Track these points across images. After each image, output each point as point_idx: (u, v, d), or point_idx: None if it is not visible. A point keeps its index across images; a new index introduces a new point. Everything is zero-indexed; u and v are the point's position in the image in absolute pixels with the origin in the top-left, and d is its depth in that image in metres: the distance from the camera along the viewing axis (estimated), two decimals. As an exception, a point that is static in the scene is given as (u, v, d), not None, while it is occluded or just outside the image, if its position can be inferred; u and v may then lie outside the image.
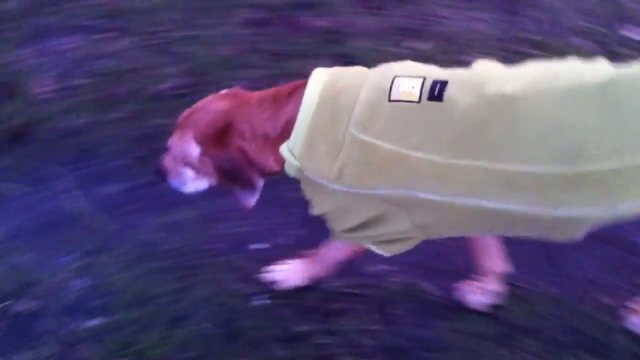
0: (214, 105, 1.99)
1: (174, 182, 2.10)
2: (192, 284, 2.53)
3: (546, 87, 1.55)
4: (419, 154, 1.62)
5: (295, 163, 1.82)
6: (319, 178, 1.80)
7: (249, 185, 1.96)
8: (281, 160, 1.87)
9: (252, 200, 1.98)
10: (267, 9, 3.57)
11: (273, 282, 2.48)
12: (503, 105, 1.56)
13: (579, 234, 1.67)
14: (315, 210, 1.96)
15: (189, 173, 2.04)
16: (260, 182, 1.98)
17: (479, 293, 2.38)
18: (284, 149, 1.84)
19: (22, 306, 2.47)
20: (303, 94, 1.80)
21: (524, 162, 1.52)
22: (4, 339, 2.39)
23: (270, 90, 1.97)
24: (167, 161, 2.08)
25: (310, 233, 2.63)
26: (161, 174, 2.11)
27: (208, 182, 2.05)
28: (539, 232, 1.73)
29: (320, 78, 1.82)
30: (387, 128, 1.66)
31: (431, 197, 1.66)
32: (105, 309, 2.52)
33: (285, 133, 1.85)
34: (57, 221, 2.75)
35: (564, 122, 1.50)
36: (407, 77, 1.71)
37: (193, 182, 2.07)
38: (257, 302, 2.55)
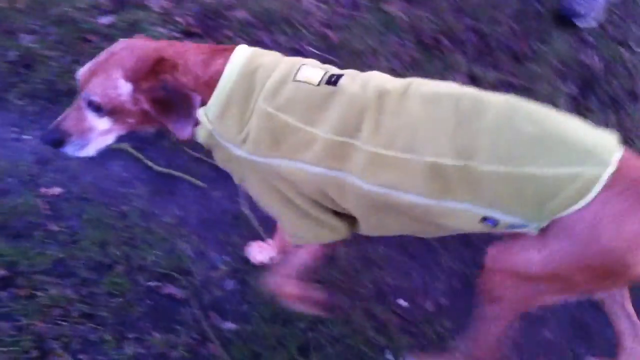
0: (139, 44, 2.06)
1: (72, 145, 2.05)
2: (329, 318, 2.53)
3: (415, 91, 1.88)
4: (308, 128, 1.87)
5: (208, 126, 1.96)
6: (227, 142, 1.97)
7: (187, 111, 1.97)
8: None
9: (188, 129, 1.97)
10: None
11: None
12: (380, 97, 1.86)
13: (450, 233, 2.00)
14: (234, 178, 2.13)
15: (100, 125, 2.03)
16: (196, 109, 1.98)
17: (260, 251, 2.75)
18: (200, 112, 1.96)
19: (173, 290, 2.65)
20: (230, 57, 1.99)
21: (387, 147, 1.80)
22: (149, 315, 2.57)
23: (205, 45, 2.11)
24: (68, 121, 2.04)
25: (452, 306, 2.57)
26: (57, 140, 2.03)
27: (120, 131, 2.07)
28: (412, 228, 1.99)
29: (243, 53, 2.02)
30: (287, 103, 1.90)
31: (314, 169, 1.88)
32: (244, 316, 2.60)
33: (210, 83, 1.96)
34: (225, 221, 2.91)
35: (426, 120, 1.80)
36: (312, 67, 2.00)
37: (100, 138, 2.05)
38: (389, 357, 2.50)
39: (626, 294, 2.13)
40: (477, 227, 1.84)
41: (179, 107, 1.97)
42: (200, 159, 3.14)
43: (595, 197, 1.65)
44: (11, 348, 2.50)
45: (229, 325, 2.57)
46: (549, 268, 1.76)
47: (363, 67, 3.57)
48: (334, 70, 2.01)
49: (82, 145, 2.05)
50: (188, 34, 3.83)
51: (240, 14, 3.95)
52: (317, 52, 3.70)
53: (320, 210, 2.03)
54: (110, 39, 3.55)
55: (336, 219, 2.07)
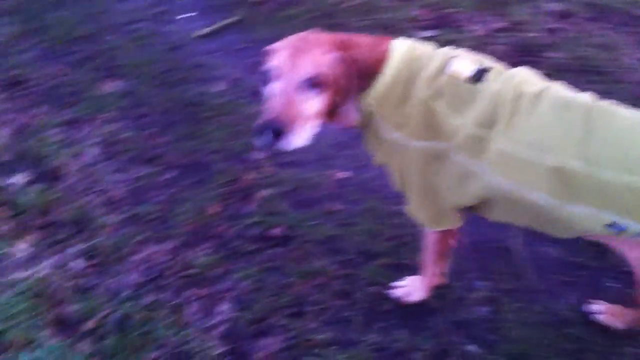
0: (314, 34, 2.17)
1: (293, 135, 2.00)
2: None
3: (550, 95, 1.97)
4: (456, 118, 2.03)
5: (370, 109, 2.14)
6: (384, 123, 2.16)
7: (361, 88, 2.12)
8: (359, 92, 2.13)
9: (356, 113, 2.14)
10: None
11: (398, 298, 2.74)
12: (517, 97, 1.98)
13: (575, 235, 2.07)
14: (377, 157, 2.32)
15: (313, 106, 2.04)
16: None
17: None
18: (365, 96, 2.13)
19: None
20: (390, 47, 2.15)
21: (515, 145, 1.93)
22: (399, 312, 2.67)
23: (365, 39, 2.21)
24: (281, 109, 2.00)
25: None
26: (278, 131, 1.95)
27: (324, 114, 2.12)
28: (534, 223, 2.11)
29: (402, 44, 2.17)
30: (439, 93, 2.06)
31: (454, 156, 2.06)
32: (490, 344, 2.59)
33: (374, 67, 2.11)
34: (495, 249, 2.92)
35: (556, 124, 1.91)
36: (464, 59, 2.11)
37: (311, 122, 2.07)
38: None
39: None
40: (604, 232, 1.92)
41: (356, 84, 2.10)
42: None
43: None
44: (272, 299, 2.79)
45: (473, 348, 2.57)
46: None
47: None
48: (484, 63, 2.14)
49: (296, 133, 2.02)
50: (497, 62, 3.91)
51: (556, 54, 3.95)
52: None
53: (446, 198, 2.21)
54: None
55: (454, 211, 2.29)
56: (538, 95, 1.99)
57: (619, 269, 2.62)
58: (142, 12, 4.78)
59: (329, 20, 3.84)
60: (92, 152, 3.51)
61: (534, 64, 3.97)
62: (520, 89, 2.01)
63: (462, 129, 2.02)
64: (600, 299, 2.68)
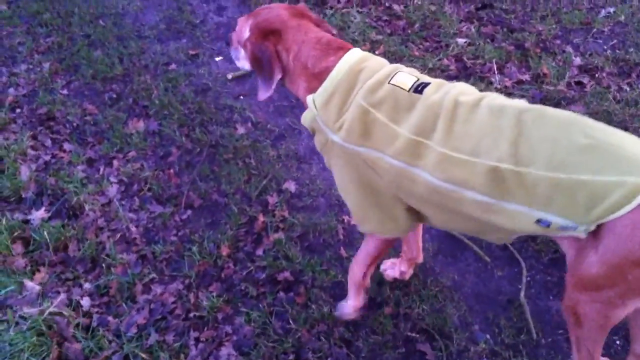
0: (280, 11, 2.54)
1: (232, 52, 2.77)
2: None
3: (486, 103, 2.13)
4: (393, 126, 2.20)
5: (314, 111, 2.35)
6: (326, 127, 2.33)
7: (268, 78, 2.46)
8: (305, 97, 2.40)
9: (265, 94, 2.47)
10: None
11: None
12: (455, 106, 2.14)
13: (511, 237, 2.25)
14: (326, 161, 2.48)
15: (241, 50, 2.67)
16: (274, 85, 2.46)
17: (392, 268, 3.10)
18: (309, 99, 2.37)
19: (427, 348, 2.72)
20: (343, 56, 2.35)
21: (455, 149, 2.07)
22: (399, 362, 2.77)
23: (327, 37, 2.46)
24: (233, 35, 2.71)
25: None
26: (228, 41, 2.79)
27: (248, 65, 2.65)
28: (473, 226, 2.25)
29: (355, 54, 2.37)
30: (380, 101, 2.24)
31: (394, 162, 2.19)
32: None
33: (319, 76, 2.37)
34: (498, 302, 2.92)
35: (491, 128, 2.06)
36: (407, 74, 2.31)
37: (241, 59, 2.71)
38: None
39: None
40: (532, 228, 2.05)
41: (264, 71, 2.48)
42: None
43: None
44: (274, 344, 2.83)
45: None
46: (605, 267, 1.93)
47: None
48: (424, 79, 2.32)
49: (235, 55, 2.75)
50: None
51: (578, 108, 3.94)
52: None
53: (390, 202, 2.37)
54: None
55: (402, 214, 2.40)
56: (475, 104, 2.16)
57: (624, 327, 2.59)
58: (179, 54, 4.94)
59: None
60: (111, 191, 3.62)
61: (555, 117, 4.02)
62: (458, 99, 2.18)
63: (401, 135, 2.18)
64: (604, 355, 2.66)
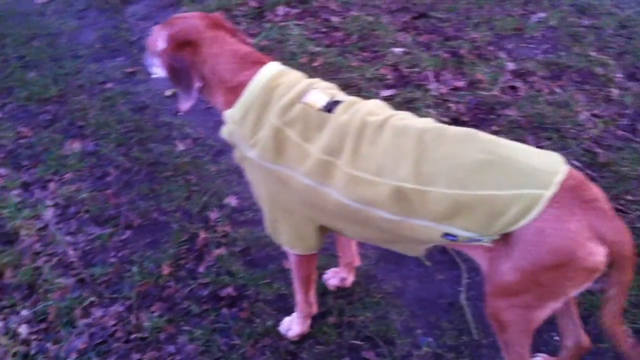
0: (195, 22, 2.51)
1: (147, 60, 2.71)
2: None
3: (391, 124, 2.19)
4: (305, 145, 2.24)
5: (231, 126, 2.37)
6: (243, 142, 2.36)
7: (187, 89, 2.45)
8: (224, 109, 2.39)
9: (187, 103, 2.46)
10: None
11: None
12: (362, 126, 2.19)
13: (422, 248, 2.30)
14: (247, 175, 2.50)
15: (155, 60, 2.60)
16: (195, 94, 2.44)
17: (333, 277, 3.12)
18: (227, 114, 2.38)
19: (372, 355, 2.73)
20: (259, 71, 2.36)
21: (361, 170, 2.14)
22: None
23: (244, 49, 2.46)
24: (148, 42, 2.63)
25: None
26: (144, 48, 2.72)
27: (164, 74, 2.58)
28: (386, 238, 2.30)
29: (272, 69, 2.39)
30: (293, 120, 2.27)
31: (305, 180, 2.24)
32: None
33: (235, 90, 2.36)
34: (440, 305, 2.96)
35: (394, 149, 2.13)
36: (321, 91, 2.34)
37: (156, 69, 2.63)
38: None
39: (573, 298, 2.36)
40: (440, 241, 2.15)
41: (182, 83, 2.47)
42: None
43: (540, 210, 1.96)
44: (219, 361, 2.84)
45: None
46: (518, 273, 2.01)
47: (625, 193, 3.52)
48: (338, 96, 2.37)
49: (149, 63, 2.68)
50: (455, 120, 4.04)
51: (512, 112, 4.05)
52: (579, 165, 3.67)
53: (301, 222, 2.43)
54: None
55: (312, 234, 2.46)
56: (381, 125, 2.21)
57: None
58: (115, 72, 4.89)
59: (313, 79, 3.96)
60: (47, 214, 3.55)
61: (490, 121, 4.14)
62: (365, 120, 2.23)
63: (311, 155, 2.23)
64: (544, 352, 2.72)
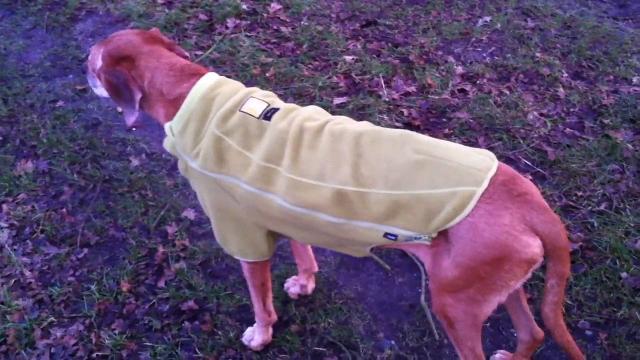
0: (131, 37, 2.55)
1: (89, 80, 2.75)
2: None
3: (328, 128, 2.25)
4: (246, 152, 2.27)
5: (172, 138, 2.39)
6: (185, 154, 2.38)
7: (129, 103, 2.47)
8: (165, 122, 2.41)
9: (131, 117, 2.48)
10: None
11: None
12: (300, 132, 2.24)
13: (366, 249, 2.30)
14: (193, 186, 2.52)
15: (97, 79, 2.63)
16: (137, 106, 2.47)
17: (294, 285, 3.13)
18: (167, 126, 2.40)
19: (337, 361, 2.84)
20: (197, 83, 2.40)
21: (302, 175, 2.19)
22: None
23: (181, 62, 2.49)
24: (89, 61, 2.68)
25: None
26: (84, 69, 2.79)
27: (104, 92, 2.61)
28: (331, 241, 2.34)
29: (209, 80, 2.42)
30: (232, 129, 2.30)
31: (247, 188, 2.26)
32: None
33: (174, 102, 2.40)
34: (401, 308, 3.00)
35: (333, 153, 2.19)
36: (259, 99, 2.38)
37: (98, 87, 2.67)
38: None
39: (522, 291, 2.47)
40: (382, 241, 2.19)
41: (123, 97, 2.49)
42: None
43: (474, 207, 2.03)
44: (184, 376, 2.81)
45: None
46: (459, 269, 2.07)
47: (576, 189, 3.62)
48: (276, 103, 2.41)
49: (92, 83, 2.72)
50: (408, 125, 4.09)
51: (463, 115, 4.13)
52: (529, 164, 3.75)
53: (250, 229, 2.45)
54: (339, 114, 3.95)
55: (262, 239, 2.48)
56: (319, 130, 2.28)
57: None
58: (66, 90, 4.80)
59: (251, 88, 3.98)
60: (2, 236, 3.47)
61: (442, 124, 4.21)
62: (303, 125, 2.28)
63: (253, 162, 2.27)
64: (505, 348, 2.78)
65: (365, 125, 2.29)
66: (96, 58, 2.55)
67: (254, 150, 2.26)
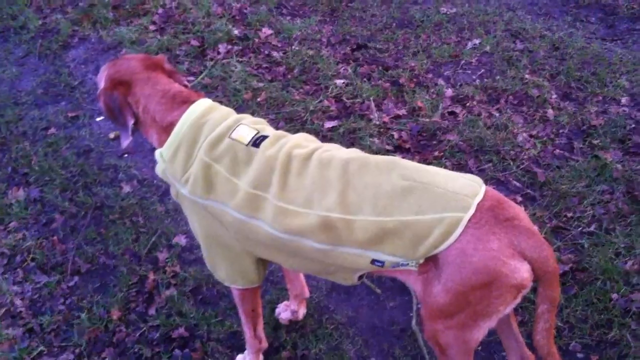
0: (133, 63, 2.60)
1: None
2: None
3: (316, 156, 2.27)
4: (234, 179, 2.28)
5: (162, 165, 2.41)
6: (175, 180, 2.40)
7: (123, 127, 2.53)
8: (159, 144, 2.46)
9: (125, 141, 2.54)
10: None
11: None
12: (289, 160, 2.26)
13: (354, 276, 2.30)
14: (184, 211, 2.53)
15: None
16: (130, 131, 2.52)
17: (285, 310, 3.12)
18: (157, 153, 2.44)
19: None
20: (187, 110, 2.42)
21: (289, 202, 2.20)
22: None
23: (175, 89, 2.51)
24: (97, 80, 2.71)
25: None
26: (86, 91, 2.87)
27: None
28: (319, 268, 2.34)
29: (200, 107, 2.44)
30: (221, 156, 2.32)
31: (236, 214, 2.27)
32: None
33: (167, 129, 2.43)
34: (392, 332, 2.99)
35: (320, 181, 2.20)
36: (248, 126, 2.40)
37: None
38: None
39: (512, 315, 2.45)
40: (370, 267, 2.19)
41: (118, 121, 2.55)
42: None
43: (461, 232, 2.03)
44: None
45: None
46: (449, 294, 2.06)
47: (566, 210, 3.62)
48: (265, 130, 2.43)
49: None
50: (398, 148, 4.11)
51: (453, 137, 4.14)
52: (519, 185, 3.77)
53: (239, 256, 2.45)
54: (329, 140, 3.96)
55: (251, 267, 2.49)
56: (307, 157, 2.30)
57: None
58: (58, 117, 4.81)
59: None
60: (-8, 265, 3.48)
61: (433, 147, 4.22)
62: (292, 153, 2.30)
63: (241, 189, 2.27)
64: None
65: (352, 153, 2.31)
66: (100, 79, 2.61)
67: (242, 177, 2.27)
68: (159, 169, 2.43)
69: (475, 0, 5.70)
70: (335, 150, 2.32)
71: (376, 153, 3.89)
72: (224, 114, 2.44)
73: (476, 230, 2.00)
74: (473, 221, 2.02)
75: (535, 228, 2.08)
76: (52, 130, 4.64)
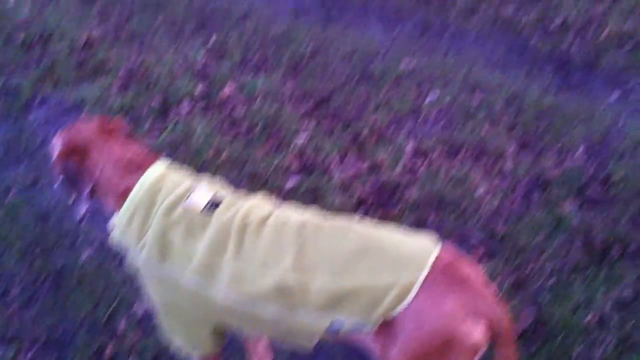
0: (88, 129, 2.56)
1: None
2: None
3: (271, 220, 2.26)
4: (190, 246, 2.26)
5: (119, 231, 2.40)
6: (131, 246, 2.38)
7: (79, 195, 2.52)
8: (116, 210, 2.42)
9: (79, 210, 2.49)
10: None
11: None
12: (243, 225, 2.25)
13: (312, 342, 2.27)
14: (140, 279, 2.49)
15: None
16: (86, 199, 2.51)
17: None
18: (113, 220, 2.43)
19: None
20: (142, 175, 2.40)
21: (244, 268, 2.18)
22: None
23: (130, 154, 2.49)
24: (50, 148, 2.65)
25: None
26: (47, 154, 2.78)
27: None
28: (276, 333, 2.33)
29: (156, 171, 2.43)
30: (174, 224, 2.29)
31: (190, 281, 2.25)
32: None
33: (122, 196, 2.40)
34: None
35: (275, 245, 2.19)
36: (205, 190, 2.38)
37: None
38: None
39: None
40: (327, 333, 2.16)
41: (73, 188, 2.54)
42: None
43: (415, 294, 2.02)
44: None
45: None
46: (405, 358, 2.03)
47: (526, 264, 3.65)
48: (221, 193, 2.41)
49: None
50: (361, 203, 4.13)
51: (413, 192, 4.17)
52: (480, 239, 3.79)
53: (195, 325, 2.43)
54: (290, 199, 3.96)
55: (207, 336, 2.45)
56: (262, 222, 2.29)
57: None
58: (17, 180, 4.79)
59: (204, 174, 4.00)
60: (-54, 340, 3.38)
61: (394, 202, 4.23)
62: (247, 218, 2.29)
63: (195, 256, 2.25)
64: None
65: (308, 216, 2.31)
66: (54, 147, 2.56)
67: (197, 244, 2.25)
68: (114, 236, 2.41)
69: (434, 54, 5.81)
70: (291, 214, 2.32)
71: (338, 210, 3.92)
72: (178, 178, 2.43)
73: (431, 292, 1.99)
74: (427, 283, 2.00)
75: (490, 288, 2.08)
76: (13, 193, 4.59)
